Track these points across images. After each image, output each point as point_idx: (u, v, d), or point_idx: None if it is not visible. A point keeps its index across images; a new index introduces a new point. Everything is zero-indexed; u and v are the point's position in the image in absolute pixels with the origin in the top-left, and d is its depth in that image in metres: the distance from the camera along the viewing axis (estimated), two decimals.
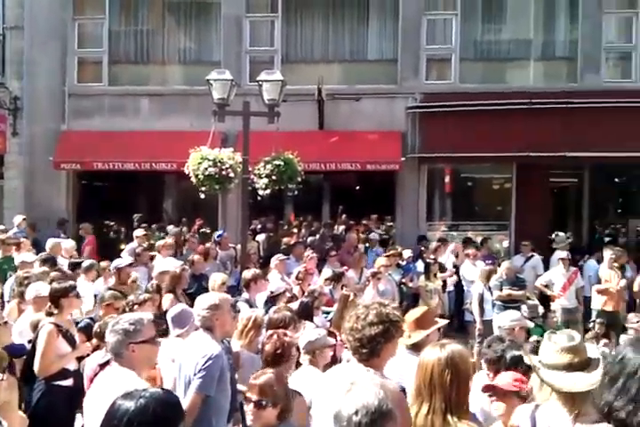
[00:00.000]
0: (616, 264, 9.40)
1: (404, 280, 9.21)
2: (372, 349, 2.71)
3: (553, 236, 11.01)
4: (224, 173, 7.79)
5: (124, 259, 7.84)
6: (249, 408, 2.85)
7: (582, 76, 10.74)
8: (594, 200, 12.12)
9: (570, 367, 2.51)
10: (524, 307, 8.57)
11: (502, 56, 11.38)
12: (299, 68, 11.11)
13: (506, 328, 4.98)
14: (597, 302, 9.20)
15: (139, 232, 9.57)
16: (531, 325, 5.37)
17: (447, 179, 11.72)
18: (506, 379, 3.25)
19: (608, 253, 9.31)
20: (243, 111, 8.12)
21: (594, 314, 9.03)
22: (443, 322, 4.23)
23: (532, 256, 9.95)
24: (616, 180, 13.32)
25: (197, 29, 11.50)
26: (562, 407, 2.48)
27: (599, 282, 9.34)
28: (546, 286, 9.28)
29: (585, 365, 2.53)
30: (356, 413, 1.68)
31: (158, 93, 11.09)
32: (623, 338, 7.61)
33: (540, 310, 9.36)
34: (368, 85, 10.72)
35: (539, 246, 10.51)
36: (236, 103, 8.15)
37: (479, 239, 10.55)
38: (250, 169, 8.13)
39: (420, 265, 9.62)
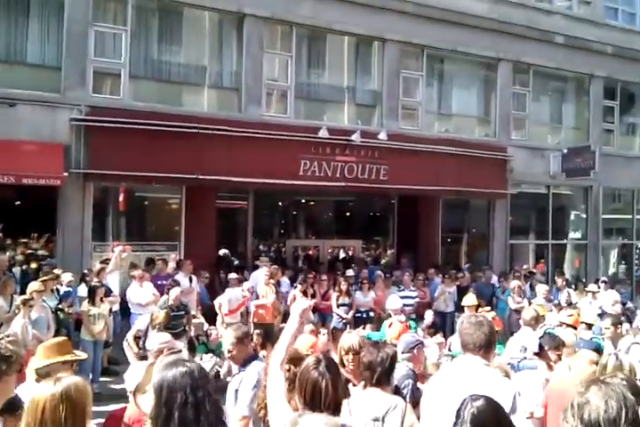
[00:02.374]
0: (272, 281, 10.39)
1: (60, 306, 8.54)
2: None
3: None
4: None
5: None
6: None
7: (246, 108, 11.63)
8: (258, 222, 13.17)
9: None
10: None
11: (177, 79, 11.58)
12: None
13: (155, 351, 4.95)
14: (256, 316, 9.97)
15: None
16: (181, 345, 5.45)
17: (120, 197, 11.33)
18: None
19: (263, 271, 10.21)
20: None
21: (252, 327, 9.72)
22: (81, 356, 4.06)
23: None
24: (279, 204, 14.79)
25: None
26: None
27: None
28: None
29: None
30: None
31: None
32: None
33: (205, 327, 9.76)
34: (26, 91, 9.69)
35: (206, 265, 10.94)
36: None
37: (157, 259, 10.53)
38: None
39: (82, 289, 9.08)
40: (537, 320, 6.72)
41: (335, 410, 2.66)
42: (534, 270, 14.49)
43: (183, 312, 8.54)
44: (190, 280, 10.10)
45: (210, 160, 10.55)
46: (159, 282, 9.77)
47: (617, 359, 4.02)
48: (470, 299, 9.24)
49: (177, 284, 9.42)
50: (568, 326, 6.52)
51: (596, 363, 4.19)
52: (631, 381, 3.22)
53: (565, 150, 15.03)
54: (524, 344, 6.11)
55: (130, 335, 7.34)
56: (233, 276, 10.54)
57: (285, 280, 11.28)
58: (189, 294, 9.73)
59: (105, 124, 9.91)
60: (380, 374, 3.65)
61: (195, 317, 9.58)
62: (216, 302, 9.78)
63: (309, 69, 12.92)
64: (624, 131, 17.37)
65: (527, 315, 6.78)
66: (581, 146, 15.16)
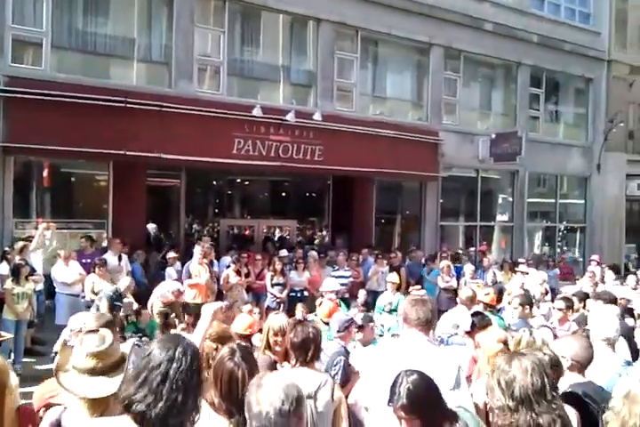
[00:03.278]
0: (205, 260, 10.23)
1: None
2: None
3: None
4: None
5: None
6: None
7: (176, 83, 11.31)
8: (191, 201, 12.93)
9: (93, 372, 2.47)
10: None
11: (103, 51, 11.08)
12: None
13: (76, 331, 4.77)
14: (188, 296, 9.81)
15: None
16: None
17: (45, 173, 10.82)
18: None
19: (197, 250, 10.03)
20: None
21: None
22: (6, 336, 3.90)
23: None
24: (214, 182, 14.56)
25: None
26: (83, 410, 2.46)
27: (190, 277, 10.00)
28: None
29: (111, 369, 2.52)
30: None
31: None
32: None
33: (135, 306, 9.52)
34: None
35: (136, 244, 10.66)
36: None
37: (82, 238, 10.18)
38: None
39: (3, 267, 8.68)
40: (472, 300, 6.80)
41: None
42: (460, 251, 14.96)
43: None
44: (120, 259, 9.82)
45: (139, 136, 10.21)
46: (84, 260, 9.47)
47: (530, 335, 4.18)
48: (393, 276, 9.49)
49: (104, 263, 9.18)
50: (485, 304, 6.73)
51: (504, 342, 4.32)
52: (552, 353, 3.40)
53: (493, 136, 15.51)
54: (456, 322, 6.24)
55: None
56: (171, 255, 10.37)
57: (228, 259, 11.11)
58: (118, 273, 9.49)
59: (25, 96, 9.39)
60: (313, 352, 3.68)
61: (125, 296, 9.33)
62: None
63: (243, 46, 12.69)
64: (549, 118, 18.10)
65: (463, 294, 6.87)
66: (509, 132, 15.67)
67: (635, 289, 11.32)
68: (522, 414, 2.15)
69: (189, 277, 9.93)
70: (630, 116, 18.97)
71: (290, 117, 11.76)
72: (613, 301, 6.44)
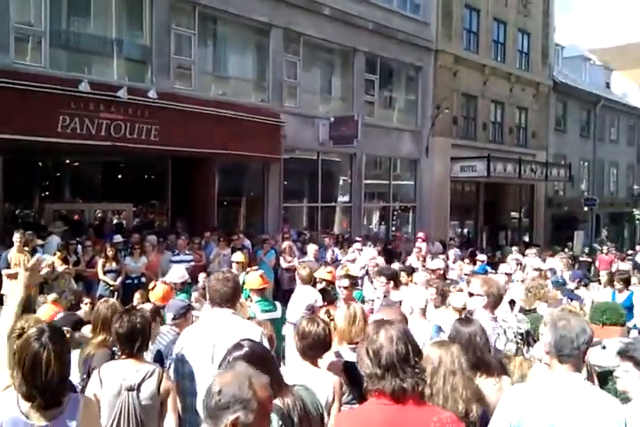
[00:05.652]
0: (27, 248, 9.43)
1: None
2: None
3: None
4: None
5: None
6: None
7: None
8: (11, 184, 11.74)
9: None
10: None
11: None
12: None
13: None
14: (6, 287, 8.98)
15: None
16: None
17: None
18: None
19: (16, 237, 9.18)
20: None
21: None
22: None
23: None
24: (39, 164, 13.31)
25: None
26: None
27: None
28: None
29: None
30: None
31: None
32: None
33: None
34: None
35: None
36: None
37: None
38: None
39: None
40: (310, 277, 6.94)
41: (60, 383, 2.52)
42: (304, 232, 15.36)
43: None
44: None
45: None
46: None
47: (349, 308, 4.39)
48: (238, 256, 9.58)
49: None
50: (327, 282, 7.00)
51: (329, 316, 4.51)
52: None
53: (332, 119, 16.00)
54: (309, 302, 6.30)
55: None
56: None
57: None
58: None
59: None
60: (140, 343, 3.56)
61: None
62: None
63: (70, 16, 11.67)
64: (383, 103, 19.04)
65: (303, 272, 6.98)
66: (346, 116, 16.24)
67: (454, 262, 12.49)
68: (387, 381, 2.32)
69: (7, 266, 9.09)
70: (455, 104, 20.59)
71: (122, 94, 11.08)
72: (394, 275, 6.87)
